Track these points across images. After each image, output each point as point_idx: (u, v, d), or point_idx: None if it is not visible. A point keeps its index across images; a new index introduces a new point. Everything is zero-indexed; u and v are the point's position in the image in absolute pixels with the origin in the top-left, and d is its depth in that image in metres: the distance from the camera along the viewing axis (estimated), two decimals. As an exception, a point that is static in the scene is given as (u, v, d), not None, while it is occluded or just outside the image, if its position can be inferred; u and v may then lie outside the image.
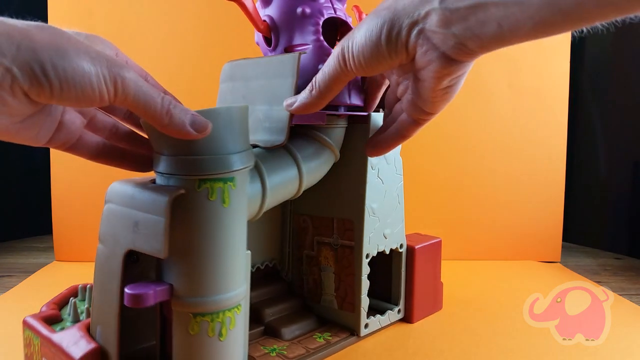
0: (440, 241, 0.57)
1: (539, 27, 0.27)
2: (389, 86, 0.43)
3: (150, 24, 0.76)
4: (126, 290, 0.32)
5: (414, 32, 0.31)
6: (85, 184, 0.76)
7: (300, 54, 0.40)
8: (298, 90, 0.40)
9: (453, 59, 0.31)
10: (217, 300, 0.34)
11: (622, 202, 0.95)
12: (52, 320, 0.42)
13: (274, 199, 0.41)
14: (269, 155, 0.41)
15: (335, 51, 0.35)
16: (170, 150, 0.33)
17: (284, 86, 0.41)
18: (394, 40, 0.32)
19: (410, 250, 0.53)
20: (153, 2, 0.76)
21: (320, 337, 0.48)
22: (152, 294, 0.33)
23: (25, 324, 0.41)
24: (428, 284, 0.56)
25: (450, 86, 0.34)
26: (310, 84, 0.38)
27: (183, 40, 0.77)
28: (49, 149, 0.76)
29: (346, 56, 0.34)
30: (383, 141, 0.41)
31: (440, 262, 0.57)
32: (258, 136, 0.42)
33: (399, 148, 0.51)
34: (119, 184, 0.37)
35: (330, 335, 0.48)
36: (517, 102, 0.78)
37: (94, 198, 0.76)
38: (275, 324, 0.48)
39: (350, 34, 0.35)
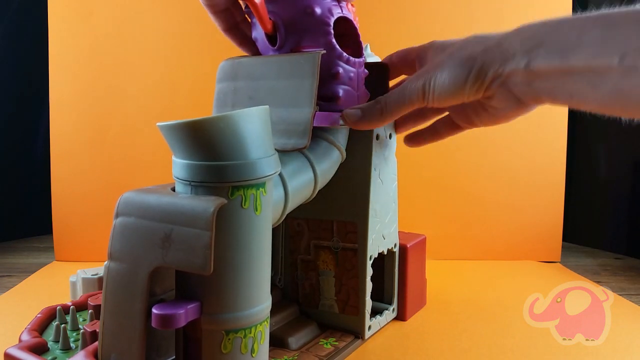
0: (425, 238, 0.57)
1: (601, 108, 0.32)
2: None
3: (151, 24, 0.76)
4: (154, 311, 0.30)
5: (497, 82, 0.36)
6: (85, 184, 0.76)
7: (320, 53, 0.39)
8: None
9: (525, 104, 0.38)
10: (250, 315, 0.32)
11: (622, 202, 0.95)
12: (39, 349, 0.38)
13: (293, 204, 0.39)
14: (285, 159, 0.39)
15: (415, 85, 0.39)
16: (195, 156, 0.31)
17: (303, 87, 0.39)
18: (477, 87, 0.37)
19: (403, 249, 0.53)
20: (153, 2, 0.76)
21: (327, 344, 0.47)
22: (184, 313, 0.30)
23: (9, 357, 0.36)
24: (417, 281, 0.56)
25: (507, 121, 0.41)
26: (377, 103, 0.41)
27: (183, 40, 0.77)
28: (48, 148, 0.76)
29: (427, 94, 0.38)
30: (420, 136, 0.50)
31: (426, 258, 0.58)
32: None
33: (394, 148, 0.51)
34: (133, 194, 0.33)
35: (336, 340, 0.48)
36: (517, 102, 0.78)
37: (94, 198, 0.76)
38: (280, 334, 0.47)
39: (429, 71, 0.38)
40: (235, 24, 0.45)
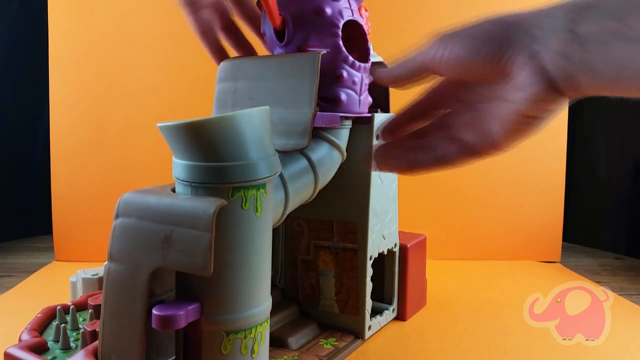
0: (425, 238, 0.57)
1: None
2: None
3: (151, 23, 0.76)
4: (154, 312, 0.30)
5: (527, 53, 0.29)
6: (85, 184, 0.76)
7: (320, 54, 0.38)
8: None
9: (556, 88, 0.29)
10: (250, 316, 0.32)
11: (622, 202, 0.95)
12: (39, 349, 0.38)
13: (293, 204, 0.39)
14: (286, 159, 0.39)
15: (430, 46, 0.32)
16: (195, 157, 0.31)
17: (303, 87, 0.39)
18: (495, 55, 0.30)
19: (403, 249, 0.53)
20: (153, 1, 0.76)
21: (327, 344, 0.47)
22: (184, 314, 0.30)
23: (9, 357, 0.36)
24: (417, 281, 0.56)
25: (533, 118, 0.32)
26: (399, 63, 0.34)
27: (184, 40, 0.76)
28: (48, 149, 0.76)
29: (442, 57, 0.31)
30: (416, 163, 0.35)
31: (426, 258, 0.58)
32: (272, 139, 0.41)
33: None
34: (133, 195, 0.33)
35: (336, 340, 0.48)
36: (517, 102, 0.78)
37: (94, 198, 0.76)
38: (280, 334, 0.47)
39: (445, 36, 0.32)
40: (211, 29, 0.44)
